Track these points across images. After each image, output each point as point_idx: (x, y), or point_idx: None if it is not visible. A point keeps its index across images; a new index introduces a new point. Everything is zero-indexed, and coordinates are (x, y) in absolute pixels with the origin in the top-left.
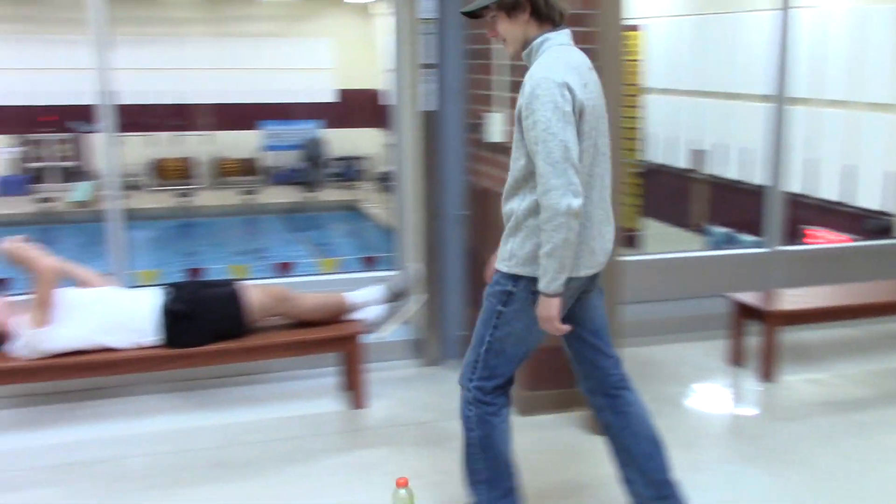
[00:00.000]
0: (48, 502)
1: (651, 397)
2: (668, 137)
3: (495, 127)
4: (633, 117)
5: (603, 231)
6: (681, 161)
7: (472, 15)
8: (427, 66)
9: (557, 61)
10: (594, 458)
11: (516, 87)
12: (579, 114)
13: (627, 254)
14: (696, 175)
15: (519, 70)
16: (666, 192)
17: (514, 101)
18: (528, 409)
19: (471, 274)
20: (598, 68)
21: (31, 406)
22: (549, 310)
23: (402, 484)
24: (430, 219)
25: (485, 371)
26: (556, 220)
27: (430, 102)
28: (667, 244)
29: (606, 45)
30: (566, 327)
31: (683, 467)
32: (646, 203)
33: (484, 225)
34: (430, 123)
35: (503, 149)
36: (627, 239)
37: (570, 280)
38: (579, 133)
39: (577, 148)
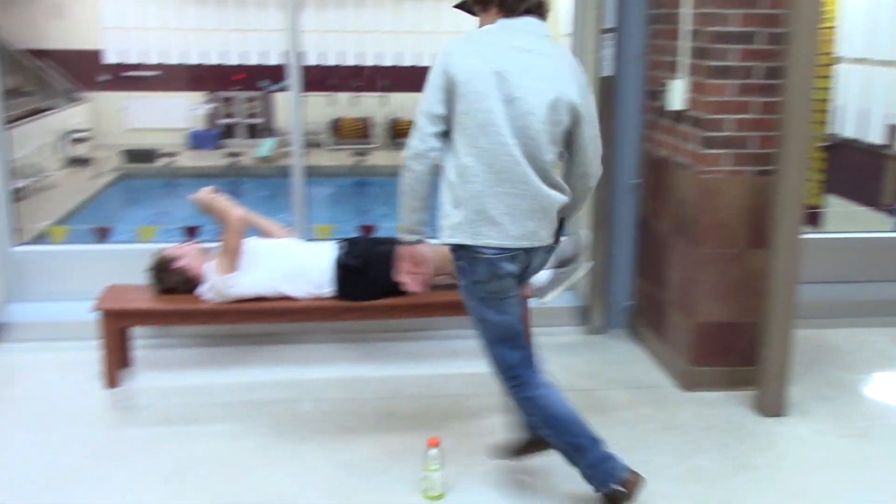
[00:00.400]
0: (227, 436)
1: (826, 382)
2: (861, 110)
3: (676, 94)
4: (823, 88)
5: (517, 205)
6: (873, 136)
7: (464, 9)
8: (607, 30)
9: (468, 35)
10: (762, 440)
11: (699, 53)
12: (452, 82)
13: (808, 231)
14: (891, 151)
15: (702, 36)
16: (854, 169)
17: (695, 68)
18: (694, 385)
19: (641, 243)
20: (790, 34)
21: (215, 346)
22: (404, 247)
23: (434, 444)
24: (601, 186)
25: (493, 365)
26: (403, 164)
27: (608, 68)
28: (852, 223)
29: (800, 9)
30: (417, 286)
31: (856, 458)
32: (830, 179)
33: (657, 194)
34: (608, 89)
35: (684, 117)
36: (809, 216)
37: (479, 251)
38: (459, 99)
39: (434, 110)
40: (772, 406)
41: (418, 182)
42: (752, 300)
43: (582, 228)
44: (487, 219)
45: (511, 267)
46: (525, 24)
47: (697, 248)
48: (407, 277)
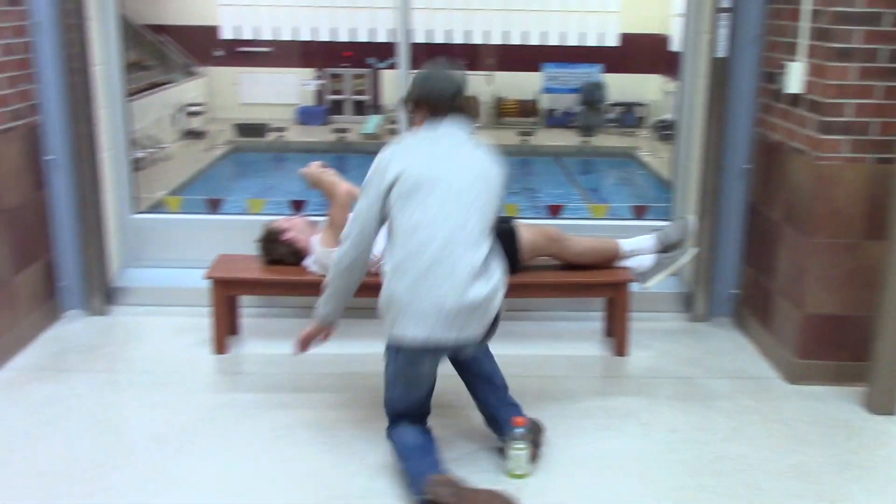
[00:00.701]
0: (328, 406)
1: None
2: None
3: (794, 77)
4: None
5: (445, 301)
6: None
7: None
8: (722, 9)
9: (401, 141)
10: (870, 438)
11: (820, 34)
12: (388, 185)
13: None
14: None
15: (824, 16)
16: None
17: (815, 50)
18: (800, 378)
19: (749, 230)
20: None
21: None
22: (308, 327)
23: (520, 423)
24: (709, 170)
25: (387, 414)
26: (339, 265)
27: (722, 49)
28: None
29: None
30: (298, 351)
31: None
32: None
33: (769, 180)
34: (720, 71)
35: (802, 101)
36: None
37: (406, 344)
38: (394, 201)
39: (366, 213)
40: (883, 403)
41: (352, 286)
42: (866, 293)
43: (689, 213)
44: (416, 314)
45: (434, 359)
46: (450, 125)
47: (810, 237)
48: (298, 347)
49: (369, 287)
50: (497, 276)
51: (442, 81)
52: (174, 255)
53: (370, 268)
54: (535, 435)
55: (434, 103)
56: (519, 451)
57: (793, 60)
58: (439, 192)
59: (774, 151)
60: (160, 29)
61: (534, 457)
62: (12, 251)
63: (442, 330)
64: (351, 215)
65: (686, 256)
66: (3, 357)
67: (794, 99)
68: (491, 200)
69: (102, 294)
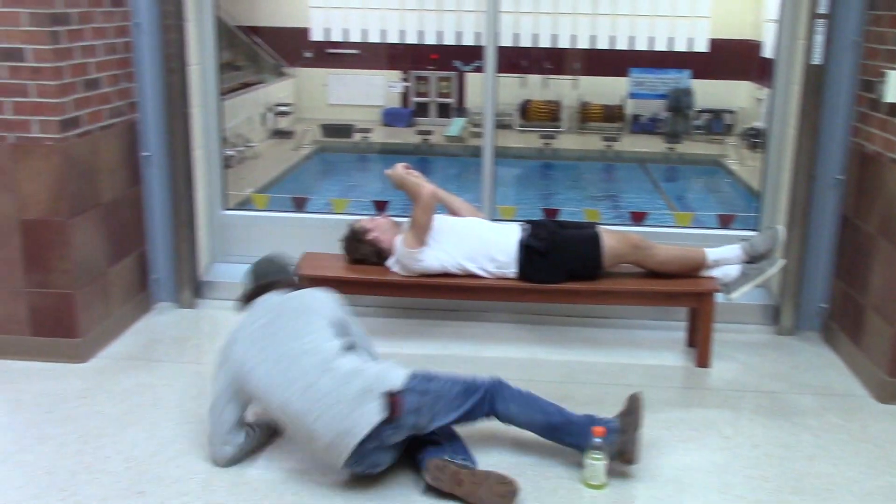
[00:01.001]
0: None
1: None
2: None
3: (894, 86)
4: None
5: (334, 409)
6: None
7: None
8: (819, 15)
9: (237, 324)
10: None
11: None
12: (231, 366)
13: None
14: None
15: None
16: None
17: None
18: (890, 397)
19: (840, 243)
20: None
21: (399, 318)
22: None
23: (599, 433)
24: (800, 180)
25: None
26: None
27: (818, 55)
28: None
29: None
30: None
31: None
32: None
33: (864, 191)
34: (815, 78)
35: None
36: None
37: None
38: (240, 378)
39: (221, 394)
40: None
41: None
42: None
43: (778, 224)
44: (333, 440)
45: (376, 449)
46: (268, 297)
47: None
48: None
49: (449, 289)
50: (358, 362)
51: (263, 270)
52: (260, 252)
53: (451, 270)
54: (633, 407)
55: (255, 288)
56: (596, 460)
57: (893, 68)
58: (278, 348)
59: (871, 162)
60: (253, 30)
61: (634, 429)
62: (108, 244)
63: (363, 424)
64: (214, 395)
65: (774, 268)
66: (97, 346)
67: (893, 108)
68: (329, 323)
69: (192, 287)
